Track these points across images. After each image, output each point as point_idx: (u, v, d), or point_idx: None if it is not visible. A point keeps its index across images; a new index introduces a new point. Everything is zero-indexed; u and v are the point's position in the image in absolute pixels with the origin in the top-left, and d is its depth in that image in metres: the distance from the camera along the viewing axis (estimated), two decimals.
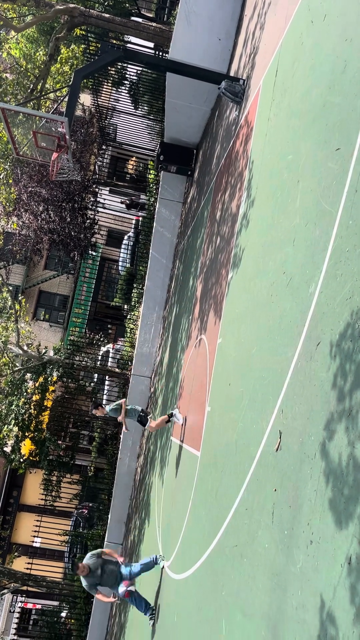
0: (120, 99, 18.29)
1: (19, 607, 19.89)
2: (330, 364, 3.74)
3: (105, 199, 18.06)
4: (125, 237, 20.33)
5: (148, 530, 10.56)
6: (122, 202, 20.11)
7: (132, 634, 10.09)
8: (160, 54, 15.06)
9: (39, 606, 19.60)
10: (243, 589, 4.57)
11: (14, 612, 20.14)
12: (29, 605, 20.13)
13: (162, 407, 11.86)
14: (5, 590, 15.74)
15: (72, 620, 15.19)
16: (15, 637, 18.01)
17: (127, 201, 20.06)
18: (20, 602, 20.06)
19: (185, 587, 6.59)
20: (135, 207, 19.58)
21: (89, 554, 8.03)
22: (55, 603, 17.66)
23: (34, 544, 19.37)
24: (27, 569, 15.44)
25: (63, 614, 16.26)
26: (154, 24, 14.51)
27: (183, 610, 6.51)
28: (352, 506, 3.10)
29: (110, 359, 18.11)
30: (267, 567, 4.15)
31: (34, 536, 16.78)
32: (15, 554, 19.76)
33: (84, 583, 7.84)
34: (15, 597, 20.12)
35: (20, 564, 18.24)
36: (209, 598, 5.50)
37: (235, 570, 4.84)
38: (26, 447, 15.74)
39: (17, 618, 19.36)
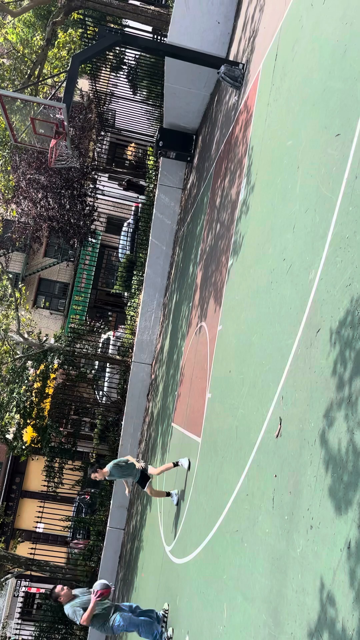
0: (118, 84, 18.11)
1: (23, 592, 20.17)
2: (330, 351, 3.75)
3: (104, 186, 17.94)
4: (125, 224, 20.26)
5: (149, 516, 10.66)
6: (119, 185, 19.98)
7: None
8: (159, 38, 14.87)
9: (42, 590, 19.87)
10: (244, 573, 4.63)
11: (18, 596, 20.41)
12: (33, 590, 20.40)
13: (163, 393, 11.91)
14: (9, 575, 15.94)
15: None
16: (20, 621, 18.26)
17: (124, 183, 19.91)
18: (24, 586, 20.33)
19: (187, 571, 6.67)
20: (133, 187, 19.42)
21: None
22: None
23: (37, 530, 19.56)
24: (31, 554, 15.62)
25: None
26: (152, 8, 14.32)
27: (184, 595, 6.60)
28: (352, 492, 3.13)
29: (110, 347, 18.15)
30: (267, 552, 4.20)
31: (37, 522, 16.94)
32: (19, 539, 19.97)
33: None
34: (19, 581, 20.37)
35: (23, 549, 18.46)
36: (210, 582, 5.57)
37: (236, 555, 4.90)
38: (28, 434, 15.83)
39: (21, 602, 19.64)
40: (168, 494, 8.37)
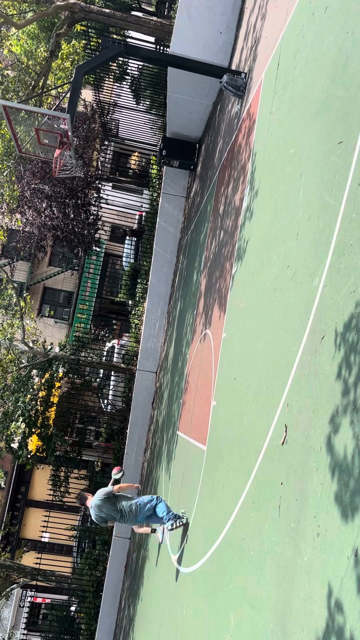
0: (121, 94, 18.25)
1: (29, 602, 20.08)
2: (335, 358, 3.75)
3: (108, 195, 18.05)
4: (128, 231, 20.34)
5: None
6: (122, 232, 20.46)
7: (142, 627, 10.18)
8: (162, 48, 15.00)
9: (48, 600, 19.78)
10: (251, 581, 4.60)
11: (23, 606, 20.32)
12: (39, 600, 20.31)
13: (167, 401, 11.90)
14: (15, 585, 15.89)
15: (82, 614, 15.31)
16: (25, 632, 18.18)
17: (128, 231, 20.32)
18: (30, 596, 20.24)
19: (193, 580, 6.64)
20: (135, 234, 19.76)
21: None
22: (65, 597, 17.81)
23: (43, 539, 19.50)
24: (36, 563, 15.57)
25: (72, 608, 16.40)
26: (154, 18, 14.46)
27: (191, 604, 6.56)
28: (358, 499, 3.12)
29: (115, 355, 18.17)
30: (274, 560, 4.18)
31: (43, 531, 16.89)
32: (24, 549, 19.91)
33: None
34: (24, 591, 20.30)
35: (29, 559, 18.40)
36: (217, 591, 5.54)
37: (243, 564, 4.88)
38: (33, 443, 15.83)
39: (27, 612, 19.54)
40: (153, 531, 8.51)
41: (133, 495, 7.96)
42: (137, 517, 7.74)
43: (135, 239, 19.51)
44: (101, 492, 7.76)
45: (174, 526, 7.35)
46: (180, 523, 7.38)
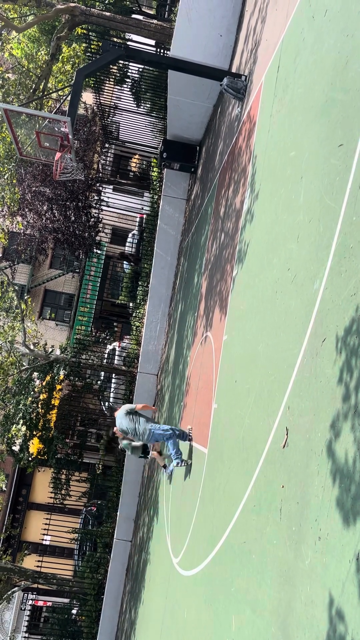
0: (122, 97, 18.27)
1: (30, 605, 20.03)
2: (336, 361, 3.75)
3: (109, 198, 18.06)
4: (130, 235, 20.36)
5: (157, 527, 10.60)
6: (118, 255, 20.72)
7: (143, 630, 10.16)
8: (162, 51, 15.02)
9: (49, 604, 19.74)
10: (252, 585, 4.59)
11: (25, 609, 20.28)
12: (40, 603, 20.27)
13: (168, 403, 11.89)
14: (16, 588, 15.86)
15: (83, 617, 15.28)
16: (27, 635, 18.13)
17: (118, 256, 20.46)
18: (31, 599, 20.20)
19: (194, 583, 6.63)
20: (127, 259, 19.88)
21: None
22: (66, 600, 17.78)
23: (44, 542, 19.48)
24: (38, 566, 15.55)
25: (74, 611, 16.37)
26: (154, 22, 14.48)
27: (192, 607, 6.55)
28: (359, 502, 3.11)
29: (116, 357, 18.15)
30: (275, 564, 4.17)
31: (44, 534, 16.87)
32: (26, 552, 19.88)
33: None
34: (26, 595, 20.25)
35: (30, 562, 18.37)
36: (218, 594, 5.53)
37: (244, 567, 4.87)
38: (34, 445, 15.82)
39: (28, 616, 19.50)
40: (164, 467, 9.75)
41: (151, 418, 8.85)
42: (149, 440, 8.69)
43: (128, 263, 19.69)
44: (125, 407, 8.86)
45: (179, 465, 8.41)
46: (185, 464, 8.37)
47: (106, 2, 15.87)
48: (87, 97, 19.20)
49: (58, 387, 16.04)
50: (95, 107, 18.18)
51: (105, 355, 18.03)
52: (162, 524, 9.92)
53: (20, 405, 14.68)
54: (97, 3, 15.68)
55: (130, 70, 17.19)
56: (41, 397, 15.60)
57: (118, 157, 22.60)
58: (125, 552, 14.34)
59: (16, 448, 15.87)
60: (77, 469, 16.29)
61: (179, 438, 8.56)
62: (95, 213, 16.67)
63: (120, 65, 16.82)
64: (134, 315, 17.41)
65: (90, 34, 14.81)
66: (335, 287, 3.99)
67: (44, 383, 15.61)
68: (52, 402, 15.82)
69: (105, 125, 18.76)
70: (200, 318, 9.82)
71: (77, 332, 19.00)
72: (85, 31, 14.59)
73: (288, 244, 5.26)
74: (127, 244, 20.31)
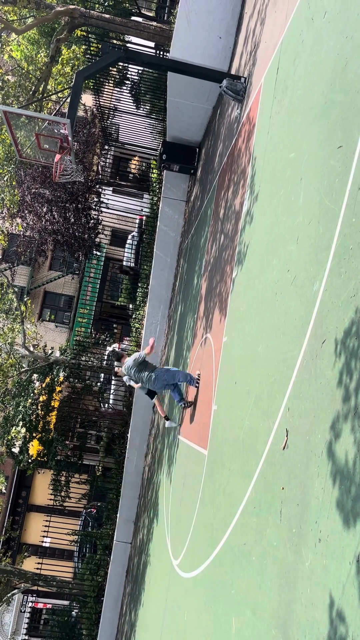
0: (122, 98, 18.29)
1: (30, 607, 20.01)
2: (336, 362, 3.75)
3: (108, 199, 18.08)
4: (129, 237, 20.37)
5: (157, 529, 10.59)
6: (117, 269, 21.00)
7: (143, 632, 10.14)
8: (161, 53, 15.04)
9: (49, 606, 19.71)
10: (252, 587, 4.58)
11: (24, 612, 20.25)
12: (40, 605, 20.25)
13: (168, 405, 11.88)
14: (16, 591, 15.84)
15: (83, 619, 15.26)
16: (27, 637, 18.11)
17: (117, 270, 20.65)
18: (31, 602, 20.18)
19: (194, 585, 6.62)
20: (127, 273, 20.06)
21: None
22: (66, 602, 17.76)
23: (44, 544, 19.46)
24: (37, 569, 15.53)
25: (74, 613, 16.35)
26: (154, 24, 14.50)
27: (192, 609, 6.53)
28: (359, 504, 3.11)
29: None
30: (276, 565, 4.17)
31: (44, 536, 16.86)
32: (25, 554, 19.86)
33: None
34: (25, 597, 20.23)
35: (30, 564, 18.35)
36: (218, 597, 5.52)
37: (244, 569, 4.86)
38: (34, 447, 15.81)
39: (28, 618, 19.48)
40: (167, 418, 10.44)
41: (157, 366, 9.35)
42: (154, 387, 9.17)
43: (126, 276, 19.82)
44: (133, 357, 9.25)
45: (183, 406, 9.19)
46: (190, 405, 9.02)
47: (105, 4, 15.90)
48: (87, 99, 19.22)
49: (58, 388, 16.04)
50: (94, 109, 18.21)
51: (105, 357, 18.02)
52: (162, 526, 9.91)
53: (20, 407, 14.68)
54: (97, 5, 15.71)
55: (129, 72, 17.22)
56: (41, 399, 15.60)
57: (118, 158, 22.62)
58: (125, 554, 14.32)
59: (16, 450, 15.86)
60: (76, 471, 16.29)
61: (187, 382, 9.00)
62: (95, 215, 16.67)
63: (120, 67, 16.85)
64: (133, 316, 17.42)
65: (89, 36, 14.83)
66: (334, 289, 3.99)
67: (43, 385, 15.62)
68: (52, 404, 15.82)
69: (105, 127, 18.78)
70: (199, 319, 9.82)
71: (77, 333, 18.98)
72: (84, 33, 14.61)
73: (288, 246, 5.26)
74: (127, 245, 20.32)
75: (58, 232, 15.55)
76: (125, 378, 9.65)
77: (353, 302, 3.65)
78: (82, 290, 24.00)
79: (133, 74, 17.02)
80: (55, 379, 15.64)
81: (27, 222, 15.41)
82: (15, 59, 14.12)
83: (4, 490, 20.92)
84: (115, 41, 15.30)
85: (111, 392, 17.58)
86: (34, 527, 21.14)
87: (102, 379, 18.18)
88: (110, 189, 20.38)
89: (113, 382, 17.67)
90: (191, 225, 13.45)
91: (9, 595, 15.72)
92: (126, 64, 16.18)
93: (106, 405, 17.66)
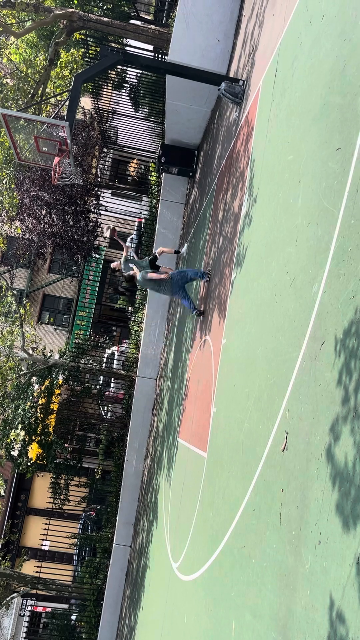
0: (120, 101, 18.33)
1: (29, 611, 19.95)
2: (335, 364, 3.75)
3: (107, 202, 18.08)
4: (128, 239, 20.37)
5: (156, 532, 10.57)
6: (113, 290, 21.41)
7: (142, 636, 10.11)
8: (160, 56, 15.07)
9: (48, 609, 19.65)
10: (252, 589, 4.57)
11: (24, 616, 20.18)
12: (39, 609, 20.18)
13: (168, 408, 11.87)
14: (15, 594, 15.78)
15: (82, 623, 15.21)
16: None
17: (114, 291, 20.88)
18: (30, 605, 20.11)
19: (194, 588, 6.60)
20: (123, 294, 20.21)
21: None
22: (65, 606, 17.70)
23: (43, 547, 19.40)
24: (37, 572, 15.48)
25: (73, 617, 16.30)
26: (152, 27, 14.54)
27: (192, 612, 6.52)
28: (359, 506, 3.10)
29: (115, 361, 18.15)
30: (275, 568, 4.16)
31: (43, 539, 16.81)
32: (24, 557, 19.80)
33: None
34: (25, 600, 20.17)
35: (29, 568, 18.29)
36: (218, 599, 5.51)
37: (244, 571, 4.85)
38: (33, 450, 15.78)
39: (27, 622, 19.41)
40: (177, 252, 12.13)
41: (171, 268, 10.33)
42: (168, 293, 9.65)
43: (122, 296, 19.96)
44: (143, 264, 10.31)
45: (194, 314, 9.65)
46: (201, 313, 9.52)
47: (104, 7, 15.93)
48: (86, 102, 19.26)
49: (57, 391, 16.02)
50: (93, 112, 18.23)
51: (104, 360, 18.01)
52: (162, 529, 9.89)
53: (19, 410, 14.65)
54: (95, 9, 15.74)
55: (128, 76, 17.25)
56: (40, 401, 15.57)
57: (116, 161, 22.66)
58: (125, 557, 14.29)
59: (15, 453, 15.82)
60: (76, 474, 16.25)
61: (198, 277, 9.50)
62: (94, 217, 16.68)
63: (119, 70, 16.88)
64: (132, 319, 17.41)
65: (88, 39, 14.85)
66: (333, 291, 4.00)
67: (42, 388, 15.59)
68: (51, 407, 15.79)
69: (104, 130, 18.80)
70: (199, 322, 9.82)
71: (76, 336, 18.97)
72: (83, 36, 14.64)
73: (286, 248, 5.27)
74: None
75: (57, 235, 15.55)
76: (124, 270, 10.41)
77: (352, 304, 3.66)
78: (81, 292, 24.00)
79: (132, 77, 17.04)
80: (55, 382, 15.62)
81: (26, 225, 15.40)
82: (14, 62, 14.14)
83: (3, 494, 20.87)
84: (113, 44, 15.33)
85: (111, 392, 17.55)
86: (33, 531, 21.08)
87: (101, 382, 18.16)
88: (109, 191, 20.39)
89: (112, 384, 17.65)
90: (190, 227, 13.46)
91: (8, 599, 15.66)
92: (125, 67, 16.20)
93: (105, 408, 17.64)
